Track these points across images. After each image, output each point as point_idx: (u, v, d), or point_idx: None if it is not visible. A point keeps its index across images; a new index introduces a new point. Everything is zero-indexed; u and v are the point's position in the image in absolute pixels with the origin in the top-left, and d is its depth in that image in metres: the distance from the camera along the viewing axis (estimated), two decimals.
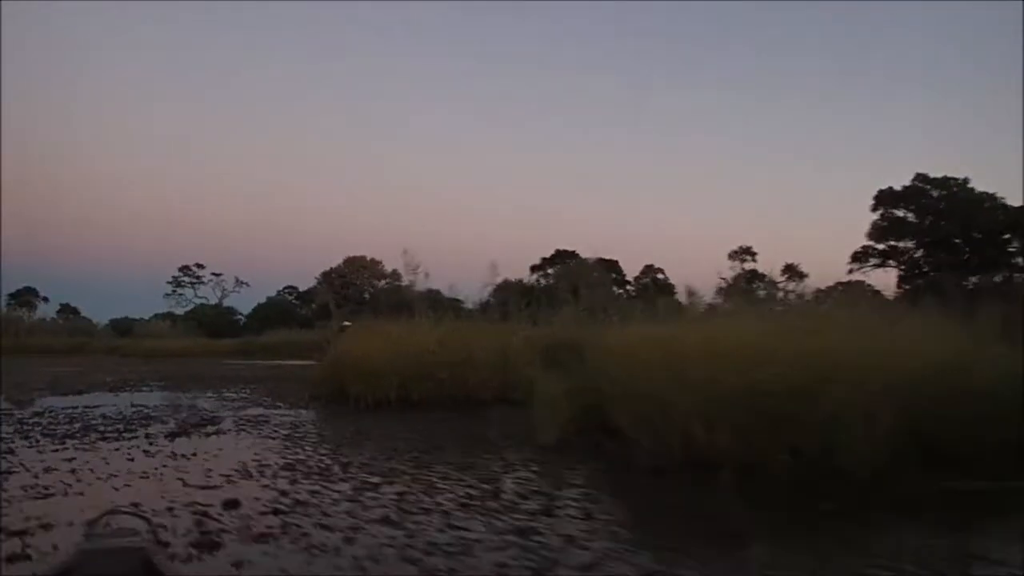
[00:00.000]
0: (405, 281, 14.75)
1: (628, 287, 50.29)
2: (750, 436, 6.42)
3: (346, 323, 15.34)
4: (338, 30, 66.83)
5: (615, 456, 7.06)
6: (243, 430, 9.24)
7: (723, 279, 18.94)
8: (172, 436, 8.59)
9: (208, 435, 8.80)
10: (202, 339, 40.67)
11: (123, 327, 49.00)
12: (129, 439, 8.40)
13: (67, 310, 56.46)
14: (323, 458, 7.19)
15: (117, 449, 7.66)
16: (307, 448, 7.81)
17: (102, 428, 9.24)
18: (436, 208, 66.29)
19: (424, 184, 69.45)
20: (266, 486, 5.84)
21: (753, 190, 63.67)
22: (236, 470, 6.48)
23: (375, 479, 6.13)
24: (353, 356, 12.40)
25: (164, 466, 6.69)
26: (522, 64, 69.42)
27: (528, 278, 48.30)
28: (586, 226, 62.83)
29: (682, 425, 6.66)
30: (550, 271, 52.91)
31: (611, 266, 48.91)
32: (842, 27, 57.56)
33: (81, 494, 5.54)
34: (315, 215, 70.03)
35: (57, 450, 7.58)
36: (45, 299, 57.87)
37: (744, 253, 52.16)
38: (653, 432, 6.80)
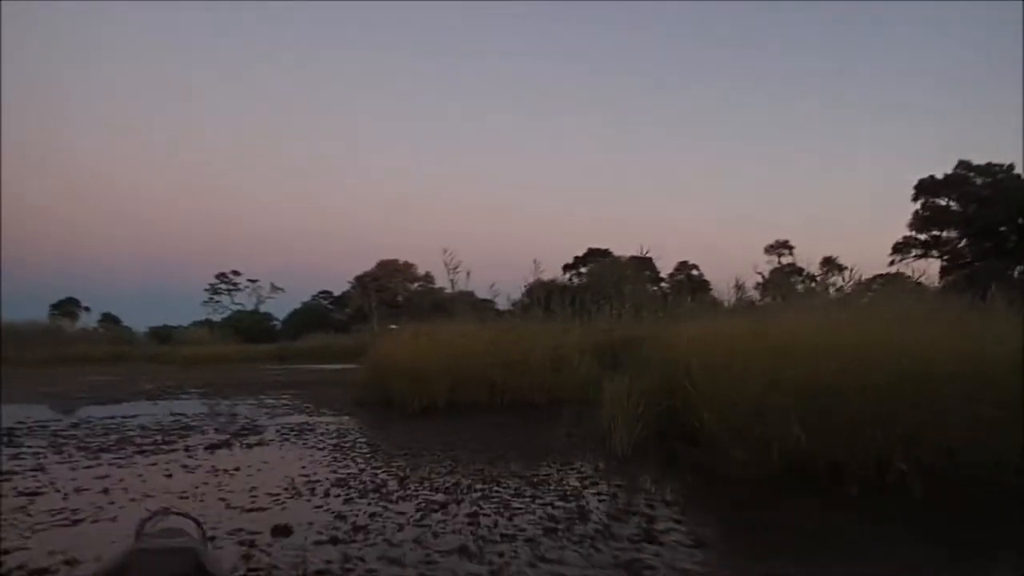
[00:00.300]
0: (445, 282, 14.01)
1: (662, 284, 49.28)
2: (859, 440, 5.66)
3: (392, 326, 14.70)
4: (366, 31, 66.60)
5: (701, 465, 6.25)
6: (287, 440, 8.61)
7: (760, 274, 17.97)
8: (212, 448, 7.99)
9: (250, 446, 8.18)
10: (239, 345, 40.54)
11: (162, 335, 49.21)
12: (167, 451, 7.82)
13: (108, 319, 57.01)
14: (377, 472, 6.50)
15: (154, 464, 7.05)
16: (358, 460, 7.13)
17: (139, 440, 8.68)
18: (466, 210, 65.71)
19: (454, 186, 68.96)
20: (318, 507, 5.15)
21: (786, 184, 62.48)
22: (283, 488, 5.82)
23: (439, 497, 5.41)
24: (399, 359, 11.71)
25: (204, 483, 6.06)
26: (550, 63, 68.53)
27: (561, 277, 47.63)
28: (618, 224, 61.91)
29: (781, 430, 5.89)
30: (583, 269, 52.16)
31: (645, 263, 48.01)
32: (877, 20, 56.15)
33: (113, 519, 4.90)
34: (347, 220, 69.91)
35: (90, 466, 7.01)
36: (87, 309, 58.55)
37: (781, 247, 50.88)
38: (748, 438, 6.01)
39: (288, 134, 68.97)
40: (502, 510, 4.98)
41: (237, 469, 6.71)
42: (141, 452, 7.78)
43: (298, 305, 57.18)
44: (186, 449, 7.96)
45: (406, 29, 66.10)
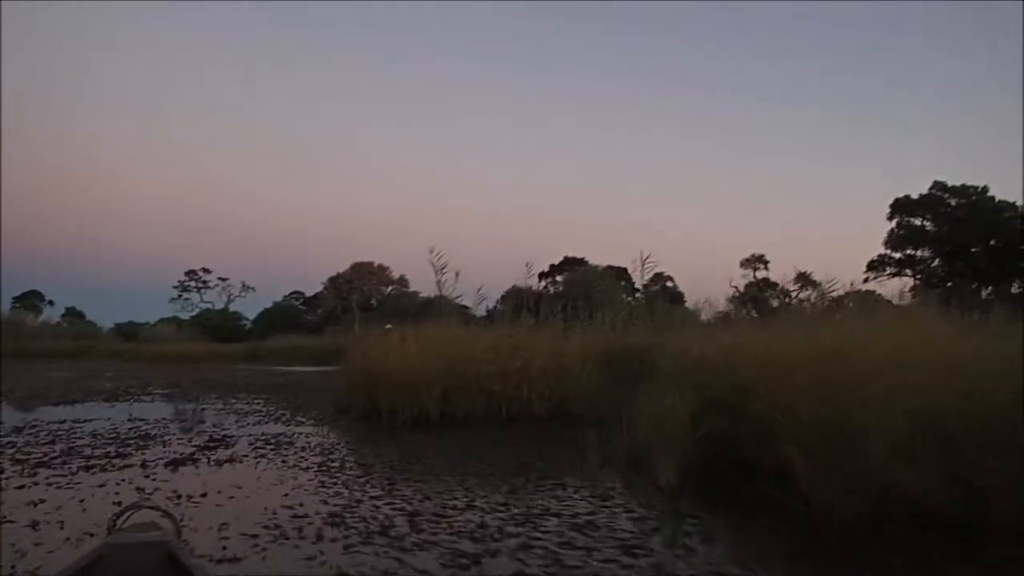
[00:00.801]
0: (431, 284, 12.83)
1: (638, 295, 48.56)
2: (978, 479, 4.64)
3: (388, 327, 13.49)
4: (349, 31, 65.28)
5: (775, 504, 5.13)
6: (263, 456, 7.37)
7: (735, 287, 17.17)
8: (174, 465, 6.73)
9: (220, 463, 6.93)
10: (208, 343, 38.94)
11: (128, 331, 47.32)
12: (120, 468, 6.57)
13: (72, 313, 54.86)
14: (377, 503, 5.30)
15: (102, 485, 5.79)
16: (351, 486, 5.92)
17: (88, 452, 7.39)
18: (447, 214, 64.50)
19: (431, 190, 67.85)
20: (311, 558, 3.95)
21: (762, 198, 62.55)
22: (263, 525, 4.61)
23: (467, 545, 4.23)
24: (388, 364, 10.48)
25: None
26: (533, 66, 67.81)
27: (536, 285, 46.69)
28: (593, 232, 61.27)
29: (885, 465, 4.83)
30: (559, 278, 51.30)
31: (620, 273, 47.30)
32: (859, 30, 56.35)
33: (35, 570, 3.67)
34: (321, 220, 68.42)
35: (24, 485, 5.74)
36: (50, 302, 56.45)
37: (756, 261, 50.49)
38: (841, 475, 4.93)
39: (263, 135, 67.59)
40: (555, 569, 3.82)
41: (204, 495, 5.47)
42: (88, 468, 6.51)
43: (269, 305, 55.63)
44: (143, 465, 6.70)
45: (406, 29, 65.10)
